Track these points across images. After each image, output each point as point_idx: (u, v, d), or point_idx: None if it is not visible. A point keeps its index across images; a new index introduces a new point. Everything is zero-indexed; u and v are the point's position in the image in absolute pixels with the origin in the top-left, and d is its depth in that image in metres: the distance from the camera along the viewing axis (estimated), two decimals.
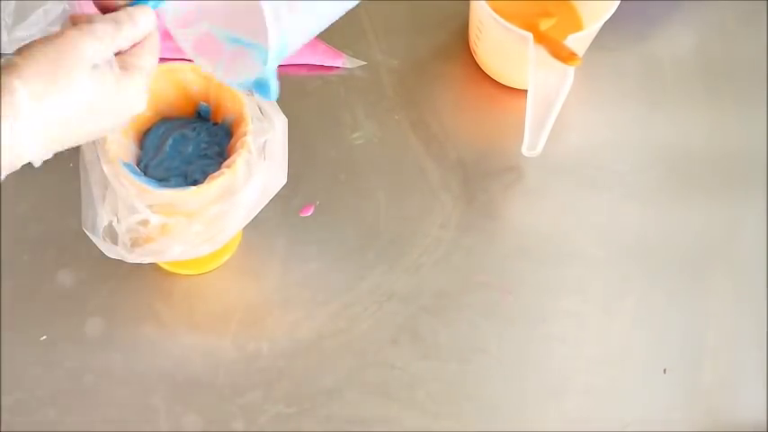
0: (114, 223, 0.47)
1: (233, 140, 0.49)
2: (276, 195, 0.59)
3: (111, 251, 0.47)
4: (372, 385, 0.56)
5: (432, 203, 0.62)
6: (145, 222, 0.46)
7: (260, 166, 0.48)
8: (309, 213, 0.60)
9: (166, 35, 0.64)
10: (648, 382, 0.58)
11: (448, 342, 0.58)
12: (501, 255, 0.61)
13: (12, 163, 0.36)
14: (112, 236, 0.47)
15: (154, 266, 0.57)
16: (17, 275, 0.57)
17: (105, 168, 0.46)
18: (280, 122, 0.50)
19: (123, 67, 0.38)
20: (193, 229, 0.47)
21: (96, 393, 0.54)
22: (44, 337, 0.55)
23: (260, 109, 0.50)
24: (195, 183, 0.47)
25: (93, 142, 0.47)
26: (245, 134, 0.48)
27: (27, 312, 0.56)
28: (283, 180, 0.50)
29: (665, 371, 0.58)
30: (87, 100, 0.36)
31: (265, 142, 0.49)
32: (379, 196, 0.62)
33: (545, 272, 0.60)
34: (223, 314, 0.57)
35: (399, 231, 0.61)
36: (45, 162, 0.54)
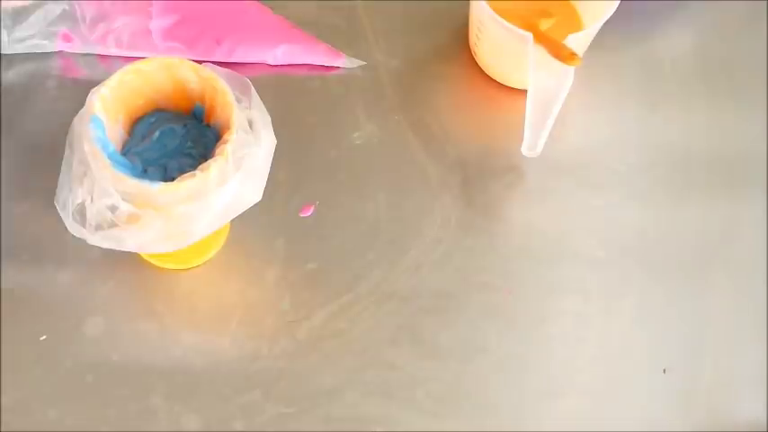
0: (87, 203, 0.47)
1: (216, 146, 0.49)
2: (276, 195, 0.60)
3: (75, 229, 0.48)
4: (372, 385, 0.56)
5: (431, 203, 0.62)
6: (113, 208, 0.46)
7: (234, 178, 0.48)
8: (309, 213, 0.60)
9: (167, 34, 0.64)
10: (648, 381, 0.58)
11: (448, 342, 0.58)
12: (501, 255, 0.61)
13: None
14: (82, 215, 0.47)
15: (154, 266, 0.57)
16: (17, 275, 0.57)
17: (86, 147, 0.46)
18: (267, 141, 0.49)
19: None
20: (156, 224, 0.47)
21: (96, 393, 0.54)
22: (44, 337, 0.55)
23: (249, 122, 0.49)
24: (172, 179, 0.47)
25: (81, 120, 0.47)
26: (226, 142, 0.47)
27: (27, 312, 0.56)
28: (257, 197, 0.50)
29: (664, 371, 0.58)
30: None
31: (245, 156, 0.48)
32: (379, 196, 0.62)
33: (545, 272, 0.60)
34: (223, 314, 0.57)
35: (399, 231, 0.60)
36: (45, 161, 0.54)
